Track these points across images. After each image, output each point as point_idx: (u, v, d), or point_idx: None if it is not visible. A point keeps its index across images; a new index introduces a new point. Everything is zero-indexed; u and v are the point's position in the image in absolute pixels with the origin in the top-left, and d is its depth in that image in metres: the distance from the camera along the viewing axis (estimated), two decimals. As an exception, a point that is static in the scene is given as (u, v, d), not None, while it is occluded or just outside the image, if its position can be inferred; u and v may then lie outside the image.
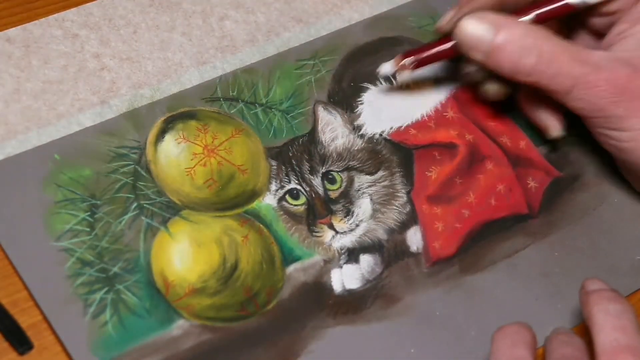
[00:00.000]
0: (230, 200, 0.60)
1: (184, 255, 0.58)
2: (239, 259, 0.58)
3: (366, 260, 0.60)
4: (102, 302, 0.55)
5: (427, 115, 0.66)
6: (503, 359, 0.51)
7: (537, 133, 0.66)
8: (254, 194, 0.61)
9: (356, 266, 0.59)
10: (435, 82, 0.67)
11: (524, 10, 0.61)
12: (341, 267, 0.59)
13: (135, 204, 0.59)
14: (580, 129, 0.64)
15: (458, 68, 0.65)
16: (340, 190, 0.62)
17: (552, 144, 0.66)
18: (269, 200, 0.61)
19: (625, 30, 0.60)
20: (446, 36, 0.62)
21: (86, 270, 0.56)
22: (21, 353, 0.54)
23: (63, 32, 0.64)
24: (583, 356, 0.51)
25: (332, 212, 0.61)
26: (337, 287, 0.59)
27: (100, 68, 0.64)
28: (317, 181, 0.62)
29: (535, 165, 0.65)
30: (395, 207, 0.62)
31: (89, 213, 0.58)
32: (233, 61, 0.65)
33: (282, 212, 0.60)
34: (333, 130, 0.64)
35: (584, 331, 0.54)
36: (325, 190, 0.61)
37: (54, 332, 0.54)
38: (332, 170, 0.62)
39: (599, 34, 0.63)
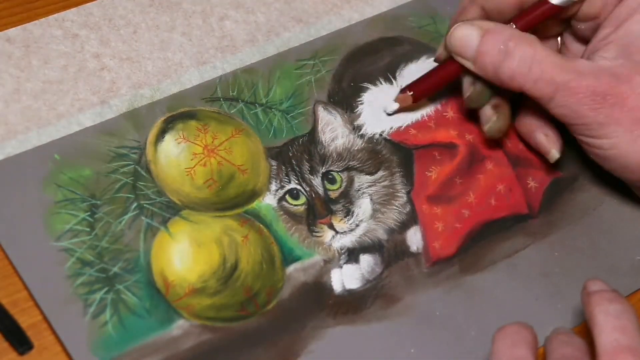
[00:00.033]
0: (230, 200, 0.60)
1: (184, 255, 0.58)
2: (239, 259, 0.58)
3: (366, 260, 0.60)
4: (102, 302, 0.55)
5: (427, 115, 0.66)
6: (504, 359, 0.51)
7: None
8: (254, 194, 0.61)
9: (356, 266, 0.59)
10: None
11: (510, 20, 0.61)
12: (341, 267, 0.59)
13: (135, 204, 0.59)
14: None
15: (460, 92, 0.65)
16: (340, 190, 0.62)
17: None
18: (269, 200, 0.61)
19: (608, 35, 0.60)
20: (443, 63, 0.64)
21: (86, 270, 0.56)
22: (21, 353, 0.54)
23: (63, 32, 0.64)
24: (583, 356, 0.51)
25: (332, 212, 0.61)
26: (337, 287, 0.59)
27: (100, 68, 0.64)
28: (317, 181, 0.62)
29: (535, 165, 0.65)
30: (395, 207, 0.62)
31: (89, 213, 0.58)
32: (233, 61, 0.65)
33: (282, 212, 0.60)
34: (333, 130, 0.64)
35: (585, 331, 0.54)
36: (325, 190, 0.61)
37: (54, 332, 0.54)
38: (332, 170, 0.62)
39: (586, 40, 0.63)
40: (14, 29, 0.64)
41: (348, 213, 0.61)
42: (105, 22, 0.65)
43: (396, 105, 0.64)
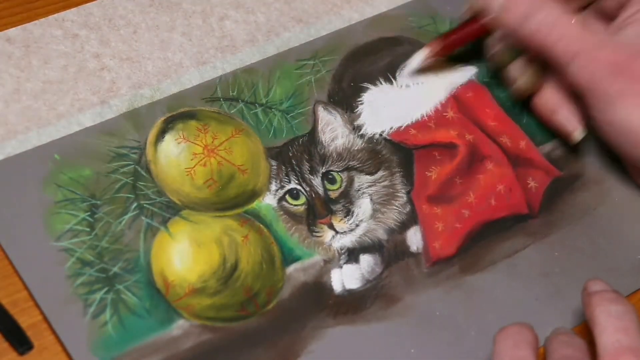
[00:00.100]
0: (230, 200, 0.60)
1: (184, 255, 0.58)
2: (239, 259, 0.58)
3: (366, 260, 0.60)
4: (102, 302, 0.55)
5: (427, 115, 0.66)
6: (506, 359, 0.51)
7: (537, 133, 0.66)
8: (254, 194, 0.61)
9: (356, 266, 0.59)
10: (435, 82, 0.67)
11: None
12: (341, 267, 0.59)
13: (135, 204, 0.59)
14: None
15: (484, 50, 0.66)
16: (340, 190, 0.62)
17: (552, 144, 0.66)
18: (269, 200, 0.61)
19: (634, 14, 0.60)
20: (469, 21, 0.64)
21: (86, 270, 0.56)
22: (21, 353, 0.54)
23: (63, 32, 0.64)
24: (584, 357, 0.51)
25: (332, 212, 0.61)
26: (337, 287, 0.59)
27: (100, 68, 0.64)
28: (317, 181, 0.62)
29: (536, 165, 0.65)
30: (395, 207, 0.62)
31: (89, 213, 0.58)
32: (233, 61, 0.65)
33: (282, 212, 0.60)
34: (333, 130, 0.64)
35: (585, 331, 0.54)
36: (325, 190, 0.61)
37: (54, 332, 0.54)
38: (332, 170, 0.62)
39: (610, 17, 0.63)
40: (14, 29, 0.64)
41: (348, 213, 0.61)
42: (105, 22, 0.65)
43: (421, 56, 0.64)
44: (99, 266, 0.56)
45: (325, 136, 0.63)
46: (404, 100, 0.66)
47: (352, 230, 0.61)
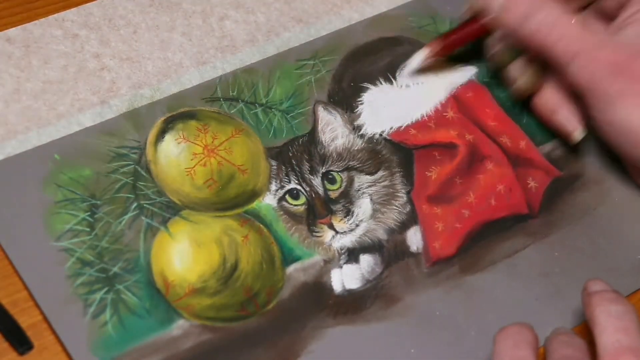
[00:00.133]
0: (230, 200, 0.60)
1: (184, 255, 0.58)
2: (239, 259, 0.58)
3: (366, 260, 0.60)
4: (102, 302, 0.55)
5: (427, 115, 0.66)
6: (506, 359, 0.51)
7: (537, 133, 0.66)
8: (254, 194, 0.61)
9: (356, 266, 0.59)
10: (435, 82, 0.67)
11: None
12: (341, 267, 0.59)
13: (135, 204, 0.59)
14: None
15: (484, 50, 0.66)
16: (340, 190, 0.62)
17: (552, 144, 0.66)
18: (269, 200, 0.61)
19: (634, 14, 0.60)
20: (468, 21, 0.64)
21: (86, 270, 0.56)
22: (21, 353, 0.54)
23: (63, 32, 0.64)
24: (584, 357, 0.51)
25: (332, 212, 0.61)
26: (337, 287, 0.59)
27: (100, 68, 0.64)
28: (317, 181, 0.62)
29: (536, 165, 0.65)
30: (395, 207, 0.62)
31: (89, 213, 0.58)
32: (233, 61, 0.65)
33: (282, 212, 0.60)
34: (333, 130, 0.64)
35: (585, 331, 0.54)
36: (325, 190, 0.61)
37: (54, 332, 0.54)
38: (332, 170, 0.62)
39: (610, 17, 0.63)
40: (14, 29, 0.64)
41: (348, 213, 0.61)
42: (105, 22, 0.65)
43: (421, 56, 0.65)
44: (99, 266, 0.56)
45: (325, 136, 0.63)
46: (404, 100, 0.66)
47: (352, 230, 0.61)
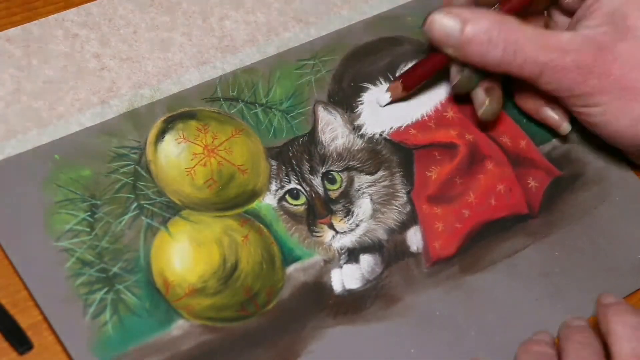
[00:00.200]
0: (230, 200, 0.60)
1: (184, 255, 0.58)
2: (239, 259, 0.58)
3: (366, 260, 0.60)
4: (102, 302, 0.55)
5: (427, 115, 0.66)
6: None
7: (537, 133, 0.66)
8: (254, 194, 0.61)
9: (356, 266, 0.59)
10: (435, 82, 0.67)
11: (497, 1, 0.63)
12: (341, 267, 0.59)
13: (135, 204, 0.59)
14: (581, 126, 0.64)
15: (447, 81, 0.66)
16: (340, 190, 0.62)
17: (552, 144, 0.66)
18: (269, 200, 0.61)
19: (593, 4, 0.61)
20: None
21: (86, 270, 0.56)
22: (21, 353, 0.54)
23: (63, 32, 0.64)
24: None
25: (332, 212, 0.61)
26: (337, 287, 0.59)
27: (100, 68, 0.64)
28: (317, 181, 0.62)
29: (536, 164, 0.65)
30: (395, 207, 0.62)
31: (89, 213, 0.58)
32: (233, 61, 0.65)
33: (282, 212, 0.60)
34: (333, 130, 0.64)
35: (584, 331, 0.54)
36: (325, 190, 0.61)
37: (54, 332, 0.54)
38: (332, 170, 0.62)
39: (572, 13, 0.64)
40: (14, 29, 0.64)
41: (348, 213, 0.61)
42: (105, 22, 0.65)
43: (388, 96, 0.65)
44: (99, 266, 0.56)
45: (325, 136, 0.63)
46: (404, 101, 0.66)
47: (352, 230, 0.61)
